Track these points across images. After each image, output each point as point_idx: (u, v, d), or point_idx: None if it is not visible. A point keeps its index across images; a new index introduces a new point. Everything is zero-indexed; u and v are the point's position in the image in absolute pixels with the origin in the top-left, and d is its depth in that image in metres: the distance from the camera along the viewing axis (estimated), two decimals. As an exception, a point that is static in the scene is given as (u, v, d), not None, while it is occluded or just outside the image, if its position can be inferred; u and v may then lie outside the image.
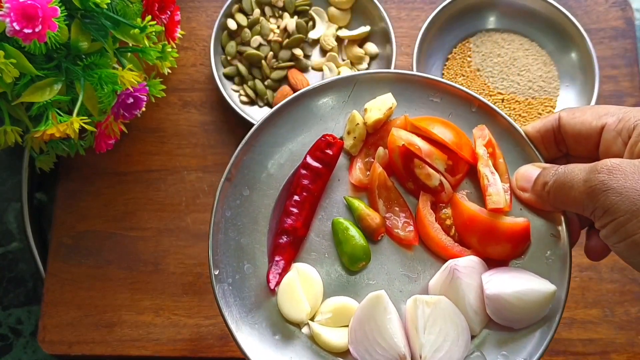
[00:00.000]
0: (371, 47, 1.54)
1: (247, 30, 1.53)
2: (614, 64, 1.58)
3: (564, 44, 1.54)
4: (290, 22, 1.53)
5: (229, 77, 1.53)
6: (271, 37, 1.52)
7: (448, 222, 1.09)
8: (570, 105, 1.51)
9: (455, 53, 1.56)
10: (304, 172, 1.09)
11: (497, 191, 1.05)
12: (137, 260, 1.44)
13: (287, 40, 1.52)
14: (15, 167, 1.59)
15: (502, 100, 1.51)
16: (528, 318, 1.03)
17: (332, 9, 1.56)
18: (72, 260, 1.44)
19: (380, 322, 1.01)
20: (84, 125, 1.21)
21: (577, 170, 0.95)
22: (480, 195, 1.08)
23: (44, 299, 1.42)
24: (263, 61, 1.51)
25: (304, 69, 1.53)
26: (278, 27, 1.53)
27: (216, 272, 1.06)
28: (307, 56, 1.55)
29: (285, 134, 1.12)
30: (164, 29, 1.33)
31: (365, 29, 1.54)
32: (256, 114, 1.49)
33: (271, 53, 1.52)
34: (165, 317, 1.41)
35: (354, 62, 1.54)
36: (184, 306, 1.41)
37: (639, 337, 1.40)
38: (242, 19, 1.53)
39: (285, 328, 1.06)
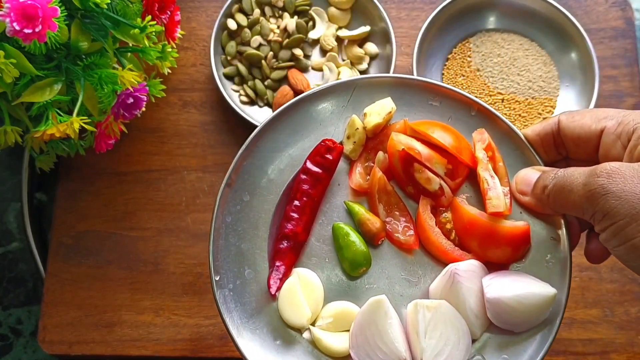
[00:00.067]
0: (371, 47, 1.54)
1: (247, 30, 1.53)
2: (614, 64, 1.58)
3: (564, 44, 1.54)
4: (290, 22, 1.52)
5: (229, 77, 1.53)
6: (271, 37, 1.52)
7: (448, 226, 1.09)
8: (570, 105, 1.51)
9: (455, 53, 1.56)
10: (304, 177, 1.09)
11: (497, 195, 1.05)
12: (137, 260, 1.44)
13: (287, 40, 1.52)
14: (15, 167, 1.58)
15: (502, 100, 1.50)
16: (529, 321, 1.03)
17: (332, 9, 1.56)
18: (72, 260, 1.44)
19: (381, 326, 1.01)
20: (84, 125, 1.21)
21: (576, 174, 0.95)
22: (480, 199, 1.08)
23: (44, 299, 1.42)
24: (263, 61, 1.51)
25: (304, 69, 1.53)
26: (278, 27, 1.53)
27: (217, 278, 1.06)
28: (307, 56, 1.55)
29: (285, 139, 1.12)
30: (164, 29, 1.33)
31: (365, 29, 1.54)
32: (256, 114, 1.50)
33: (271, 53, 1.52)
34: (165, 317, 1.41)
35: (354, 62, 1.54)
36: (184, 306, 1.42)
37: (639, 337, 1.41)
38: (242, 19, 1.53)
39: (286, 333, 1.06)
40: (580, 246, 1.08)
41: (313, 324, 1.06)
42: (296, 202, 1.09)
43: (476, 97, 1.44)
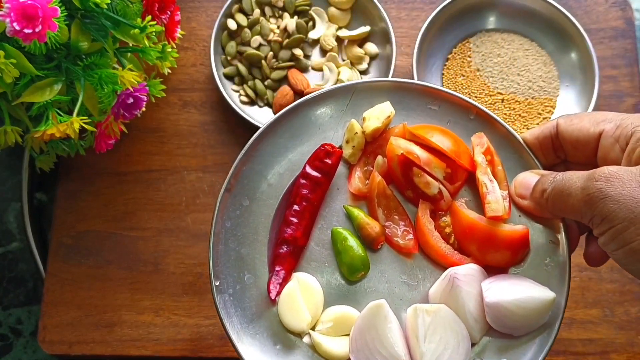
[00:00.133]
0: (371, 47, 1.54)
1: (247, 30, 1.53)
2: (613, 64, 1.58)
3: (564, 44, 1.54)
4: (290, 22, 1.52)
5: (229, 77, 1.53)
6: (271, 37, 1.52)
7: (447, 230, 1.09)
8: (570, 105, 1.51)
9: (455, 53, 1.55)
10: (303, 181, 1.10)
11: (495, 199, 1.05)
12: (137, 260, 1.44)
13: (287, 40, 1.52)
14: (15, 167, 1.59)
15: (502, 100, 1.50)
16: (528, 325, 1.03)
17: (332, 9, 1.56)
18: (72, 260, 1.44)
19: (380, 331, 1.01)
20: (84, 125, 1.21)
21: (575, 178, 0.95)
22: (479, 203, 1.09)
23: (44, 299, 1.42)
24: (263, 61, 1.51)
25: (304, 69, 1.53)
26: (278, 27, 1.53)
27: (217, 283, 1.06)
28: (307, 56, 1.55)
29: (284, 144, 1.12)
30: (164, 29, 1.33)
31: (365, 29, 1.54)
32: (256, 114, 1.50)
33: (271, 53, 1.52)
34: (165, 317, 1.41)
35: (354, 62, 1.54)
36: (184, 306, 1.42)
37: (639, 337, 1.41)
38: (242, 19, 1.53)
39: (286, 338, 1.06)
40: (581, 246, 1.08)
41: (313, 328, 1.07)
42: (295, 207, 1.09)
43: (476, 97, 1.45)
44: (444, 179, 1.09)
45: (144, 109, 1.28)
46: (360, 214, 1.10)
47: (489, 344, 1.04)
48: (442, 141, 1.08)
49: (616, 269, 1.44)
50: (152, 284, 1.43)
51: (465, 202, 1.10)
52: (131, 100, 1.24)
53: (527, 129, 1.48)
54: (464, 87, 1.52)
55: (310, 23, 1.55)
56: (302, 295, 1.06)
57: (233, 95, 1.51)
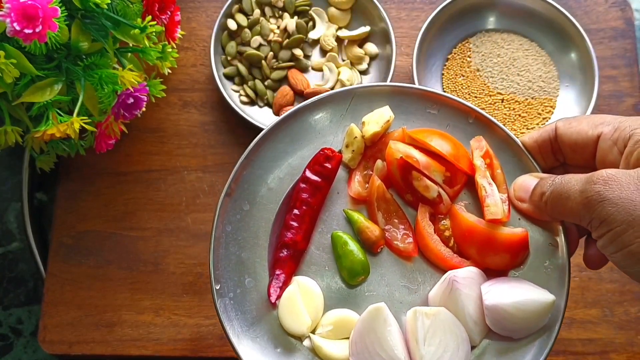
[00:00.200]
0: (371, 47, 1.54)
1: (247, 30, 1.52)
2: (613, 64, 1.58)
3: (563, 44, 1.54)
4: (290, 22, 1.52)
5: (229, 77, 1.53)
6: (271, 37, 1.52)
7: (447, 233, 1.09)
8: (570, 105, 1.51)
9: (455, 53, 1.55)
10: (303, 185, 1.10)
11: (495, 202, 1.05)
12: (137, 260, 1.45)
13: (287, 40, 1.52)
14: (15, 167, 1.59)
15: (502, 100, 1.50)
16: (527, 328, 1.03)
17: (332, 9, 1.56)
18: (72, 260, 1.44)
19: (380, 334, 1.02)
20: (84, 125, 1.21)
21: (573, 181, 0.95)
22: (478, 206, 1.09)
23: (44, 299, 1.42)
24: (263, 61, 1.51)
25: (304, 69, 1.53)
26: (278, 27, 1.53)
27: (217, 287, 1.06)
28: (307, 56, 1.54)
29: (284, 148, 1.12)
30: (164, 29, 1.33)
31: (365, 29, 1.54)
32: (256, 114, 1.50)
33: (271, 53, 1.52)
34: (165, 317, 1.41)
35: (354, 63, 1.54)
36: (184, 306, 1.42)
37: (639, 337, 1.41)
38: (242, 19, 1.53)
39: (286, 341, 1.07)
40: (581, 247, 1.08)
41: (313, 331, 1.07)
42: (296, 211, 1.09)
43: (476, 97, 1.45)
44: (443, 183, 1.09)
45: (144, 109, 1.28)
46: (360, 218, 1.10)
47: (489, 347, 1.05)
48: (441, 145, 1.08)
49: (616, 269, 1.41)
50: (152, 284, 1.43)
51: (464, 206, 1.10)
52: (131, 100, 1.24)
53: (527, 129, 1.48)
54: (464, 87, 1.52)
55: (310, 23, 1.55)
56: (303, 299, 1.06)
57: (233, 95, 1.51)
